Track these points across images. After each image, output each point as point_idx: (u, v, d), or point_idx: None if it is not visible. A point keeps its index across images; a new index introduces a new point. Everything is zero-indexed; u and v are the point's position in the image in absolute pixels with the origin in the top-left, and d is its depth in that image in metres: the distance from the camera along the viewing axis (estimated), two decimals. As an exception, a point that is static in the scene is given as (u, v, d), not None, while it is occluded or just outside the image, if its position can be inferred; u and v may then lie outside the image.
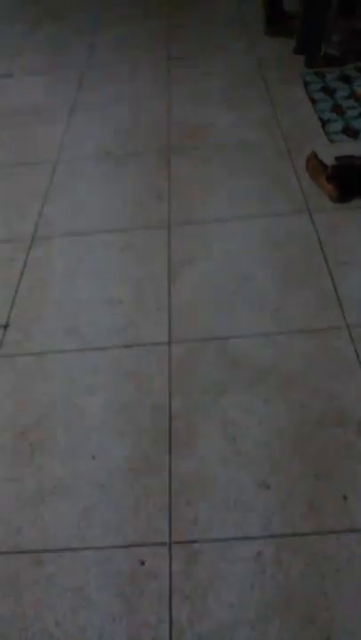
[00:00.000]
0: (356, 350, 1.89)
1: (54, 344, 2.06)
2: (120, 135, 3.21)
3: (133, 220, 2.57)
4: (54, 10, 5.28)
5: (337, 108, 3.20)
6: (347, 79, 3.48)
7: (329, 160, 2.66)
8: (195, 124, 3.21)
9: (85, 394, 1.88)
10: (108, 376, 1.93)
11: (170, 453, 1.69)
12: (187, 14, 4.77)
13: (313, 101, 3.29)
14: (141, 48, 4.27)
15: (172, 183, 2.76)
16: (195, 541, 1.49)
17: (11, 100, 3.75)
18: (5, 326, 2.14)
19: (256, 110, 3.27)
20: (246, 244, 2.37)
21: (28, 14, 5.19)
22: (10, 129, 3.42)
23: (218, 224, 2.48)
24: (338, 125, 3.05)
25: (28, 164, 3.05)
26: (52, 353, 2.03)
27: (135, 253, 2.40)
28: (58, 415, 1.83)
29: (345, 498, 1.53)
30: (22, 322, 2.16)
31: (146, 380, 1.89)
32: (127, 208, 2.64)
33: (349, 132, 2.99)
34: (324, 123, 3.08)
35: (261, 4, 4.13)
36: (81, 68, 4.04)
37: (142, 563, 1.47)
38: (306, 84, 3.47)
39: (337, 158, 2.72)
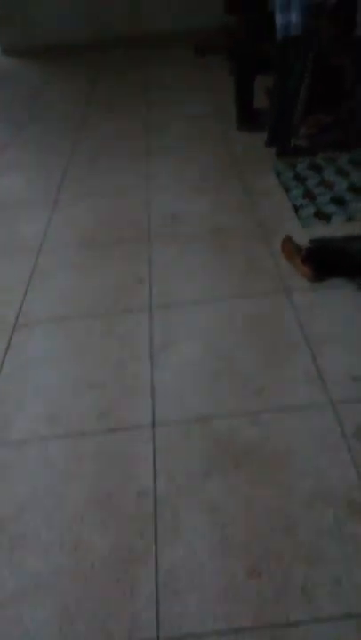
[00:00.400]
0: (341, 426, 1.88)
1: (35, 431, 2.02)
2: (102, 224, 3.33)
3: (115, 305, 2.61)
4: (39, 112, 5.64)
5: (308, 195, 3.37)
6: (317, 168, 3.70)
7: (303, 243, 2.77)
8: (173, 211, 3.35)
9: (67, 482, 1.83)
10: (91, 462, 1.88)
11: (156, 542, 1.62)
12: (163, 112, 5.11)
13: (286, 189, 3.47)
14: (121, 144, 4.53)
15: (153, 268, 2.84)
16: (185, 636, 1.41)
17: (-3, 195, 3.90)
18: (-14, 414, 2.11)
19: (232, 198, 3.43)
20: (227, 325, 2.40)
21: (13, 115, 5.52)
22: (-5, 221, 3.53)
23: (199, 306, 2.53)
24: (310, 210, 3.20)
25: (11, 254, 3.13)
26: (33, 440, 1.99)
27: (117, 337, 2.42)
28: (39, 506, 1.76)
29: (339, 581, 1.47)
30: (3, 409, 2.13)
31: (130, 465, 1.85)
32: (109, 293, 2.70)
33: (321, 216, 3.14)
34: (296, 208, 3.24)
35: (233, 101, 4.45)
36: (64, 164, 4.24)
37: (129, 664, 1.37)
38: (278, 174, 3.67)
39: (311, 241, 2.83)
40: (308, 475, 1.75)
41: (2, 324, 2.56)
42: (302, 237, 2.85)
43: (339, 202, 3.26)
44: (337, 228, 2.99)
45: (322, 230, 2.99)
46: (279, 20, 3.44)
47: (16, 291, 2.78)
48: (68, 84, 6.56)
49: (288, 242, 2.76)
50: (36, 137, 4.95)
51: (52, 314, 2.60)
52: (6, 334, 2.49)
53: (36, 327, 2.53)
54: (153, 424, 1.98)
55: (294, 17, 3.36)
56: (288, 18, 3.38)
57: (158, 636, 1.42)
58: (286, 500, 1.68)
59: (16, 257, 3.09)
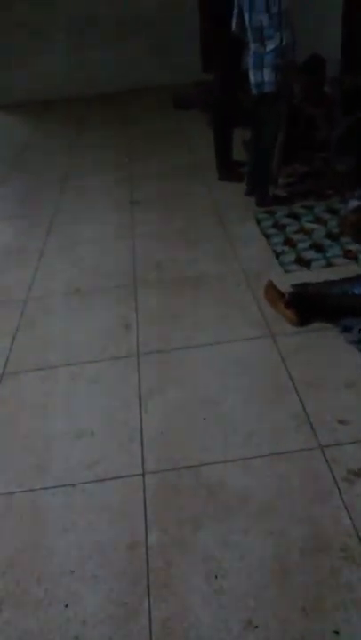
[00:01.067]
0: (331, 471, 1.88)
1: (23, 482, 1.98)
2: (88, 273, 3.36)
3: (103, 352, 2.62)
4: (23, 164, 5.76)
5: (289, 242, 3.47)
6: (295, 216, 3.81)
7: (285, 288, 2.82)
8: (158, 259, 3.41)
9: (56, 535, 1.78)
10: (81, 514, 1.85)
11: (149, 596, 1.59)
12: (147, 164, 5.26)
13: (266, 236, 3.56)
14: (105, 195, 4.63)
15: (140, 314, 2.86)
16: None
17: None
18: (-28, 466, 2.07)
19: (214, 246, 3.51)
20: (214, 370, 2.42)
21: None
22: (-20, 271, 3.55)
23: (185, 351, 2.55)
24: (291, 256, 3.29)
25: (-2, 304, 3.14)
26: (21, 492, 1.95)
27: (105, 384, 2.42)
28: (27, 560, 1.72)
29: (337, 633, 1.45)
30: (-10, 460, 2.09)
31: (120, 516, 1.82)
32: (96, 340, 2.71)
33: (301, 261, 3.22)
34: (278, 255, 3.32)
35: (214, 154, 4.60)
36: (50, 214, 4.31)
37: None
38: (258, 222, 3.77)
39: (293, 286, 2.89)
40: (301, 522, 1.73)
41: (-12, 373, 2.54)
42: (284, 283, 2.91)
43: (318, 248, 3.35)
44: (317, 274, 3.06)
45: (303, 276, 3.06)
46: (252, 77, 3.62)
47: (3, 340, 2.77)
48: (52, 137, 6.72)
49: (271, 288, 2.81)
50: (22, 189, 5.03)
51: (39, 362, 2.59)
52: (-8, 384, 2.47)
53: (24, 376, 2.51)
54: (143, 473, 1.96)
55: (267, 75, 3.53)
56: (261, 76, 3.55)
57: None
58: (280, 549, 1.66)
59: (2, 306, 3.09)
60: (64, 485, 1.95)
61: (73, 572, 1.67)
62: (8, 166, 5.71)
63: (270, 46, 3.44)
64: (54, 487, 1.95)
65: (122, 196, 4.52)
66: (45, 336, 2.79)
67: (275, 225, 3.71)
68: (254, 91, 3.66)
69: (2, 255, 3.73)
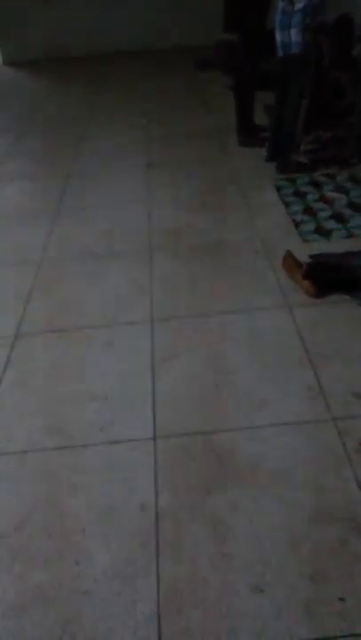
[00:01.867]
0: (343, 443, 1.88)
1: (37, 442, 2.01)
2: (103, 237, 3.34)
3: (117, 316, 2.61)
4: (40, 122, 5.67)
5: (308, 210, 3.41)
6: (316, 184, 3.73)
7: (304, 258, 2.79)
8: (175, 225, 3.37)
9: (69, 494, 1.81)
10: (92, 475, 1.87)
11: (157, 557, 1.61)
12: (164, 127, 5.15)
13: (286, 204, 3.50)
14: (123, 157, 4.55)
15: (155, 281, 2.85)
16: (187, 655, 1.40)
17: (-3, 205, 3.91)
18: (-13, 424, 2.10)
19: (233, 213, 3.45)
20: (228, 338, 2.41)
21: (13, 127, 5.55)
22: (-4, 231, 3.54)
23: (200, 319, 2.54)
24: (310, 226, 3.23)
25: (13, 264, 3.13)
26: (34, 452, 1.98)
27: (119, 349, 2.42)
28: (40, 518, 1.75)
29: (343, 600, 1.47)
30: (4, 420, 2.12)
31: (131, 478, 1.84)
32: (110, 304, 2.70)
33: (321, 231, 3.17)
34: (297, 224, 3.26)
35: (234, 118, 4.49)
36: (65, 176, 4.26)
37: None
38: (278, 189, 3.70)
39: (311, 256, 2.86)
40: (310, 491, 1.74)
41: (3, 334, 2.55)
42: (303, 252, 2.88)
43: (339, 218, 3.29)
44: (337, 244, 3.01)
45: (322, 246, 3.01)
46: (279, 38, 3.50)
47: (17, 301, 2.77)
48: (70, 96, 6.60)
49: (289, 257, 2.77)
50: (37, 148, 4.97)
51: (52, 325, 2.59)
52: (7, 345, 2.48)
53: (37, 338, 2.52)
54: (154, 437, 1.98)
55: (294, 35, 3.41)
56: (288, 36, 3.43)
57: (160, 653, 1.41)
58: (289, 517, 1.68)
59: (17, 268, 3.09)
60: (76, 446, 1.97)
61: (84, 530, 1.70)
62: (23, 124, 5.63)
63: (299, 5, 3.32)
64: (67, 448, 1.97)
65: (139, 159, 4.45)
66: (59, 299, 2.79)
67: (295, 193, 3.64)
68: (280, 52, 3.55)
69: (16, 216, 3.71)
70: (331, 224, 3.23)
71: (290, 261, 2.74)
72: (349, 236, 3.11)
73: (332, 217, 3.31)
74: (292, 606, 1.47)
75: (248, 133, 4.47)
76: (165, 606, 1.50)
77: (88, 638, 1.45)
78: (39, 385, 2.27)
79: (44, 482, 1.86)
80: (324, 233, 3.15)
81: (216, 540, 1.64)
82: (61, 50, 8.35)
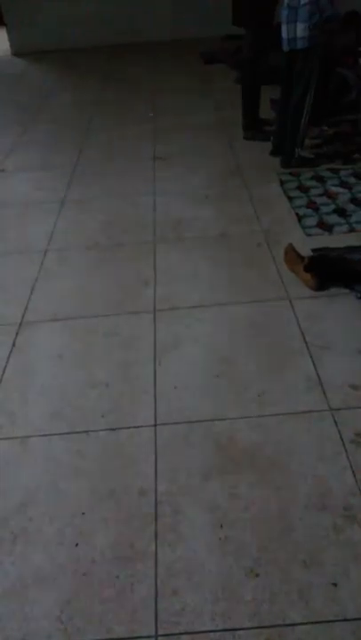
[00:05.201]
0: (339, 433, 1.91)
1: (39, 428, 2.05)
2: (108, 227, 3.36)
3: (120, 306, 2.64)
4: (48, 113, 5.68)
5: (312, 205, 3.42)
6: (320, 179, 3.75)
7: (306, 252, 2.81)
8: (178, 217, 3.39)
9: (70, 478, 1.85)
10: (93, 460, 1.91)
11: (156, 540, 1.65)
12: (171, 119, 5.16)
13: (289, 198, 3.51)
14: (128, 149, 4.57)
15: (158, 271, 2.87)
16: (182, 634, 1.43)
17: (3, 195, 3.93)
18: (-10, 410, 2.13)
19: (236, 206, 3.47)
20: (230, 329, 2.44)
21: (21, 118, 5.56)
22: (2, 221, 3.56)
23: (202, 310, 2.57)
24: (313, 220, 3.25)
25: (18, 253, 3.16)
26: (37, 437, 2.01)
27: (121, 338, 2.45)
28: (41, 501, 1.79)
29: (335, 585, 1.50)
30: (7, 405, 2.15)
31: (131, 464, 1.88)
32: (114, 294, 2.73)
33: (324, 226, 3.18)
34: (300, 218, 3.28)
35: (240, 112, 4.50)
36: (71, 167, 4.28)
37: (127, 659, 1.40)
38: (282, 183, 3.71)
39: (313, 250, 2.88)
40: (306, 479, 1.78)
41: (7, 322, 2.59)
42: (305, 246, 2.90)
43: (341, 213, 3.31)
44: (339, 239, 3.03)
45: (324, 240, 3.03)
46: (285, 32, 3.49)
47: (22, 290, 2.81)
48: (78, 87, 6.60)
49: (291, 250, 2.79)
50: (45, 138, 4.98)
51: (57, 313, 2.63)
52: (12, 333, 2.52)
53: (41, 326, 2.56)
54: (155, 424, 2.01)
55: (300, 30, 3.41)
56: (294, 31, 3.43)
57: (156, 633, 1.45)
58: (285, 504, 1.71)
59: (22, 257, 3.12)
60: (78, 432, 2.01)
61: (84, 514, 1.74)
62: (30, 115, 5.64)
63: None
64: (68, 433, 2.01)
65: (145, 151, 4.47)
66: (64, 288, 2.82)
67: (299, 187, 3.65)
68: (286, 47, 3.55)
69: (23, 205, 3.73)
70: (333, 219, 3.25)
71: (291, 254, 2.76)
72: (351, 230, 3.12)
73: (334, 211, 3.32)
74: (285, 590, 1.51)
75: (254, 127, 4.48)
76: (162, 589, 1.54)
77: (86, 619, 1.49)
78: (43, 372, 2.31)
79: (45, 466, 1.90)
80: (326, 227, 3.17)
81: (213, 524, 1.67)
82: (70, 41, 8.34)
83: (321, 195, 3.54)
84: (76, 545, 1.66)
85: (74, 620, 1.48)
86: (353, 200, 3.44)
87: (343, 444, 1.87)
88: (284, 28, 3.50)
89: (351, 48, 5.01)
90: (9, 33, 8.56)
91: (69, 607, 1.51)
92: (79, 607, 1.51)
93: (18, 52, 8.50)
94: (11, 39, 8.58)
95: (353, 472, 1.78)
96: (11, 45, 8.61)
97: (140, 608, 1.50)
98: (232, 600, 1.50)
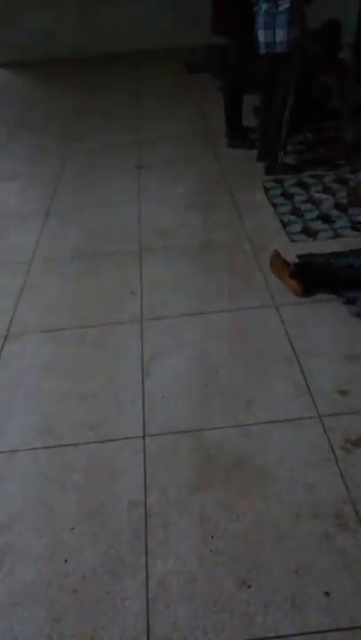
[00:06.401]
0: (329, 440, 1.91)
1: (26, 441, 2.02)
2: (93, 237, 3.35)
3: (106, 316, 2.63)
4: (31, 123, 5.67)
5: (296, 211, 3.44)
6: (304, 185, 3.77)
7: (291, 258, 2.82)
8: (164, 226, 3.39)
9: (58, 492, 1.83)
10: (82, 473, 1.89)
11: (146, 554, 1.63)
12: (154, 128, 5.17)
13: (274, 205, 3.53)
14: (113, 158, 4.57)
15: (144, 280, 2.86)
16: (174, 649, 1.41)
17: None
18: (-24, 424, 2.11)
19: (221, 214, 3.48)
20: (216, 338, 2.43)
21: (5, 128, 5.54)
22: (-14, 232, 3.54)
23: (188, 318, 2.56)
24: (298, 227, 3.26)
25: (3, 265, 3.13)
26: (24, 451, 1.99)
27: (108, 348, 2.44)
28: (29, 516, 1.76)
29: (327, 594, 1.49)
30: (-7, 419, 2.13)
31: (120, 476, 1.86)
32: (100, 304, 2.71)
33: (308, 232, 3.20)
34: (284, 224, 3.29)
35: (224, 120, 4.52)
36: (55, 177, 4.27)
37: None
38: (266, 190, 3.73)
39: (299, 256, 2.89)
40: (297, 487, 1.77)
41: (-7, 334, 2.56)
42: (290, 253, 2.90)
43: (325, 219, 3.32)
44: (324, 245, 3.04)
45: (309, 246, 3.04)
46: (263, 37, 3.52)
47: (7, 301, 2.78)
48: (62, 98, 6.60)
49: (276, 257, 2.80)
50: (28, 149, 4.97)
51: (43, 325, 2.61)
52: (-4, 345, 2.50)
53: (28, 338, 2.53)
54: (143, 435, 1.99)
55: (279, 35, 3.44)
56: (273, 36, 3.46)
57: (148, 648, 1.43)
58: (275, 513, 1.70)
59: (7, 268, 3.10)
60: (66, 445, 1.98)
61: (73, 528, 1.71)
62: (14, 125, 5.63)
63: (284, 6, 3.35)
64: (56, 447, 1.98)
65: (129, 160, 4.47)
66: (49, 299, 2.80)
67: (283, 194, 3.67)
68: (263, 50, 3.58)
69: (7, 216, 3.71)
70: (318, 225, 3.26)
71: (277, 261, 2.77)
72: (336, 236, 3.14)
73: (319, 218, 3.34)
74: (277, 601, 1.49)
75: (237, 135, 4.50)
76: (154, 603, 1.51)
77: (77, 637, 1.46)
78: (29, 384, 2.28)
79: (33, 480, 1.88)
80: (311, 233, 3.18)
81: (204, 536, 1.66)
82: (54, 51, 8.34)
83: (305, 201, 3.56)
84: (66, 561, 1.63)
85: (65, 639, 1.46)
86: (336, 206, 3.46)
87: (333, 451, 1.87)
88: (261, 34, 3.53)
89: (332, 56, 5.07)
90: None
91: (60, 625, 1.49)
92: (70, 625, 1.49)
93: (1, 62, 8.48)
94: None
95: (343, 479, 1.77)
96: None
97: (132, 623, 1.48)
98: (225, 612, 1.48)
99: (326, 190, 3.67)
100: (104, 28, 8.25)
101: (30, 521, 1.74)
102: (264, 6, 3.45)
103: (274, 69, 3.65)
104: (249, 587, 1.53)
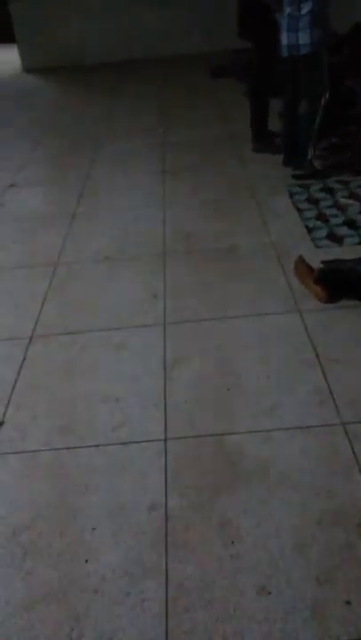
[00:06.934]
0: (352, 447, 1.89)
1: (49, 442, 2.04)
2: (118, 241, 3.38)
3: (130, 319, 2.64)
4: (58, 128, 5.75)
5: (321, 217, 3.42)
6: (330, 190, 3.74)
7: (316, 264, 2.80)
8: (188, 230, 3.40)
9: (80, 493, 1.84)
10: (104, 474, 1.90)
11: (166, 557, 1.63)
12: (180, 133, 5.20)
13: (299, 210, 3.51)
14: (139, 162, 4.60)
15: (168, 284, 2.87)
16: (193, 654, 1.41)
17: (15, 209, 3.97)
18: (0, 424, 2.13)
19: (246, 219, 3.48)
20: (240, 343, 2.43)
21: (32, 133, 5.63)
22: (14, 234, 3.60)
23: (212, 322, 2.56)
24: (323, 232, 3.24)
25: (29, 267, 3.18)
26: (47, 451, 2.01)
27: (131, 351, 2.45)
28: (51, 516, 1.78)
29: (348, 603, 1.47)
30: (18, 420, 2.15)
31: (142, 479, 1.87)
32: (124, 307, 2.73)
33: (334, 238, 3.18)
34: (309, 230, 3.27)
35: (249, 125, 4.52)
36: (82, 181, 4.32)
37: None
38: (291, 195, 3.72)
39: (323, 262, 2.87)
40: (319, 494, 1.75)
41: (19, 336, 2.60)
42: (315, 258, 2.89)
43: (351, 225, 3.30)
44: (349, 251, 3.02)
45: (334, 252, 3.02)
46: (285, 39, 3.52)
47: (33, 303, 2.82)
48: (88, 102, 6.68)
49: (301, 263, 2.79)
50: (55, 153, 5.04)
51: (67, 327, 2.63)
52: (23, 346, 2.53)
53: (52, 339, 2.56)
54: (165, 438, 2.00)
55: (302, 37, 3.44)
56: (296, 38, 3.46)
57: (167, 652, 1.43)
58: (297, 519, 1.69)
59: (33, 270, 3.14)
60: (88, 446, 2.00)
61: (94, 529, 1.72)
62: (41, 130, 5.71)
63: (305, 9, 3.36)
64: (79, 448, 2.00)
65: (154, 165, 4.50)
66: (74, 301, 2.83)
67: (308, 199, 3.65)
68: (286, 53, 3.57)
69: (33, 220, 3.76)
70: (343, 230, 3.24)
71: (301, 267, 2.76)
72: (362, 242, 3.11)
73: (344, 223, 3.31)
74: (298, 609, 1.48)
75: (263, 140, 4.49)
76: (173, 606, 1.51)
77: (96, 637, 1.47)
78: (53, 386, 2.31)
79: (56, 481, 1.89)
80: (336, 239, 3.16)
81: (224, 541, 1.65)
82: (79, 57, 8.46)
83: (331, 206, 3.54)
84: (86, 561, 1.64)
85: (84, 638, 1.47)
86: (363, 212, 3.43)
87: (356, 459, 1.85)
88: (284, 36, 3.53)
89: (357, 60, 5.04)
90: (20, 49, 8.70)
91: (79, 624, 1.50)
92: (89, 624, 1.50)
93: (29, 68, 8.63)
94: (22, 55, 8.71)
95: (366, 487, 1.76)
96: (22, 61, 8.74)
97: (151, 626, 1.48)
98: (244, 618, 1.47)
99: (352, 196, 3.64)
100: (128, 35, 8.33)
101: (52, 521, 1.76)
102: (287, 10, 3.45)
103: (297, 72, 3.65)
104: (269, 593, 1.52)
